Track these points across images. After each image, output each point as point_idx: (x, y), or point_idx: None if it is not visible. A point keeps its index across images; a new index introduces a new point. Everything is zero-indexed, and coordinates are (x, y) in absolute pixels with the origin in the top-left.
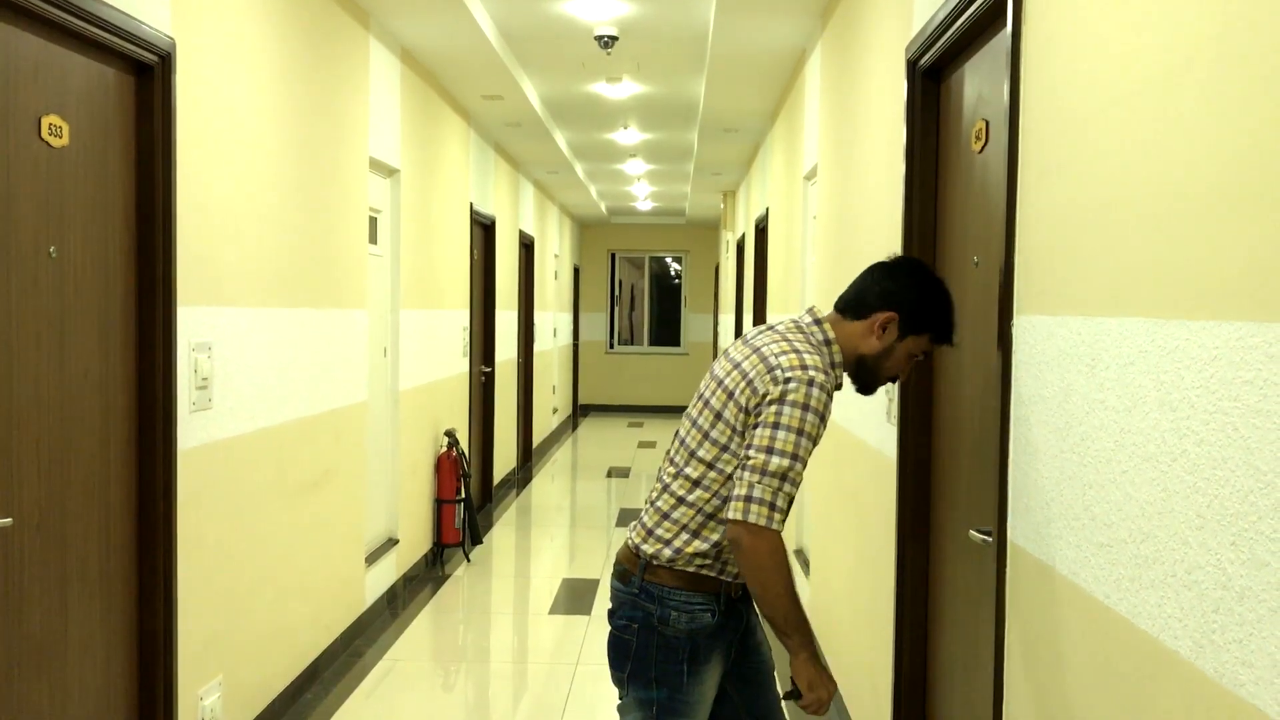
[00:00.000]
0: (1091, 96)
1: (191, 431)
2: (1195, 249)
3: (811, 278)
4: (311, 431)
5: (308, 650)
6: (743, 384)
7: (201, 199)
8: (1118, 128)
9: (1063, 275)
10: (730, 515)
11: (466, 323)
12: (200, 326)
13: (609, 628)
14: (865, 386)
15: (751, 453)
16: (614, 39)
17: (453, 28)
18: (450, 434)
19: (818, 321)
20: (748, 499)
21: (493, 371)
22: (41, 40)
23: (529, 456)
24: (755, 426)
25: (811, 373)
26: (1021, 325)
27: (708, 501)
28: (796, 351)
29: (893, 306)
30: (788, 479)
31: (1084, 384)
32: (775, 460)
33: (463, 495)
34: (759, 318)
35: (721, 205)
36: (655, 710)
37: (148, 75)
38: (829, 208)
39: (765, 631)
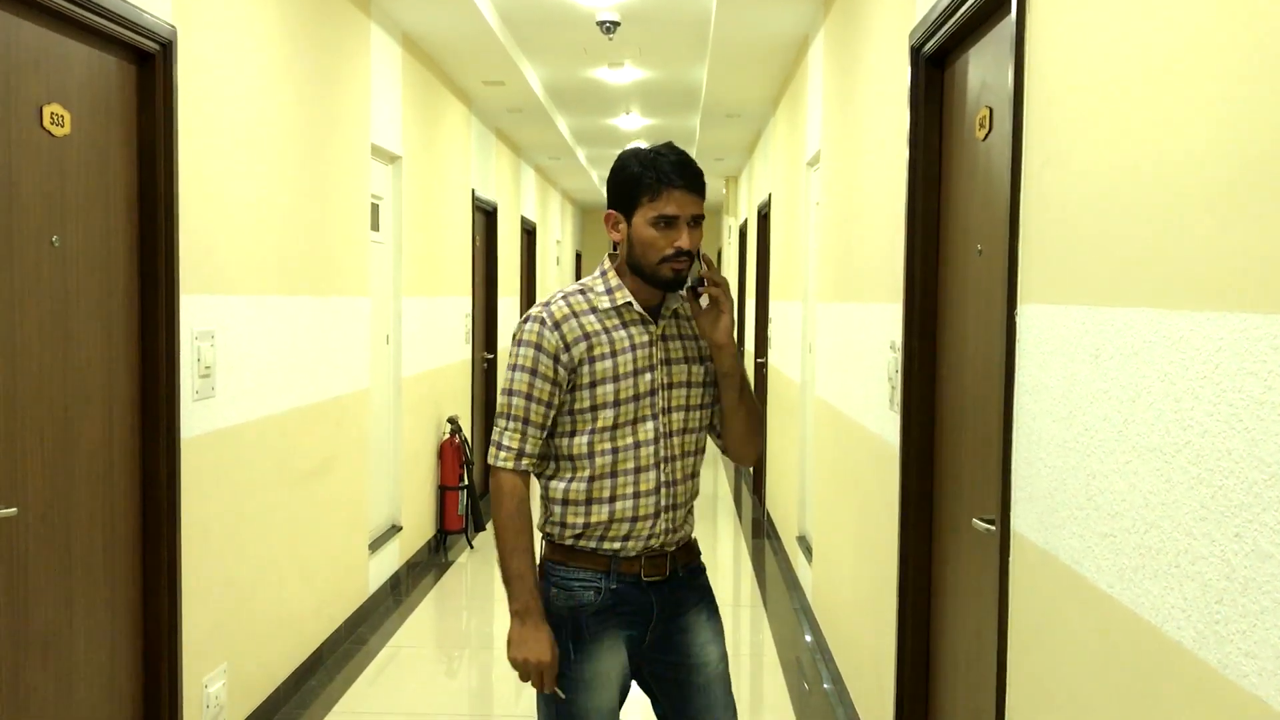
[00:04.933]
0: (1096, 84)
1: (194, 420)
2: (1200, 240)
3: (814, 264)
4: (314, 419)
5: (312, 637)
6: None
7: (203, 187)
8: (1122, 116)
9: (1066, 265)
10: None
11: (469, 309)
12: (203, 315)
13: None
14: (660, 283)
15: None
16: (616, 24)
17: (454, 13)
18: (453, 421)
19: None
20: (489, 442)
21: (495, 358)
22: (42, 29)
23: None
24: None
25: (534, 310)
26: (1025, 314)
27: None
28: (543, 302)
29: (608, 209)
30: (510, 416)
31: (1088, 374)
32: (500, 400)
33: (465, 482)
34: (762, 304)
35: (724, 191)
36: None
37: (149, 64)
38: (832, 194)
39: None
